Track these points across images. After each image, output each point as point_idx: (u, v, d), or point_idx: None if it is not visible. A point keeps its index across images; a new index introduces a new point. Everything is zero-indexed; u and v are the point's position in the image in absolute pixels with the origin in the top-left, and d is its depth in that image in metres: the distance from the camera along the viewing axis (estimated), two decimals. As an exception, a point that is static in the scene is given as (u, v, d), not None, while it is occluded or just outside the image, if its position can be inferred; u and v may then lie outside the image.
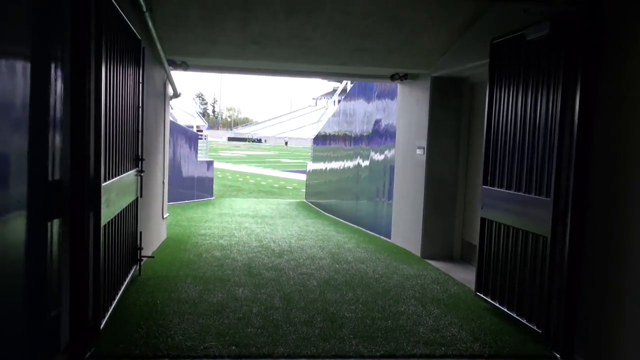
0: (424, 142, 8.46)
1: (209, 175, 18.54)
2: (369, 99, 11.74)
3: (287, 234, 10.55)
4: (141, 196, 6.66)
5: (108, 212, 4.74)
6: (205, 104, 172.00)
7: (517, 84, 5.33)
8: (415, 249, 8.67)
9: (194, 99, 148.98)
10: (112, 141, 4.91)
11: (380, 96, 10.91)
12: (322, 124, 17.88)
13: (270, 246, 9.02)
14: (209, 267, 7.29)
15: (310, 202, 18.15)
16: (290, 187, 24.16)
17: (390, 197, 10.08)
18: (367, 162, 11.53)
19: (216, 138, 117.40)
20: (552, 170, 4.71)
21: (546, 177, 4.81)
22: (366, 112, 11.87)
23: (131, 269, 6.40)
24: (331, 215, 14.50)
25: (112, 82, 4.78)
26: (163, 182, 8.90)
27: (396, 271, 7.50)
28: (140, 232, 6.72)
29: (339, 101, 15.60)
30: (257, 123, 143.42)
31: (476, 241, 7.98)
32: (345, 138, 13.57)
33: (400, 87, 9.62)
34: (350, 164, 12.86)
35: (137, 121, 6.42)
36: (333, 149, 14.96)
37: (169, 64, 8.35)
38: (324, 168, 16.08)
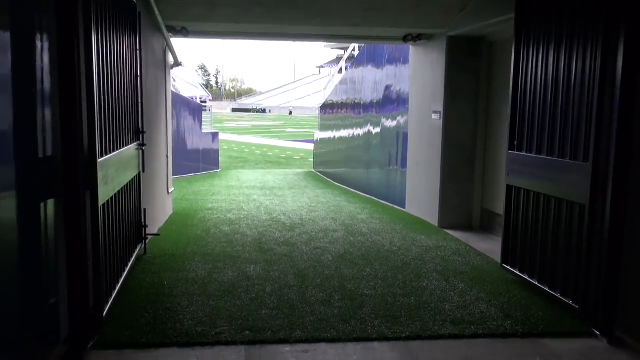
0: (440, 107, 8.01)
1: (214, 147, 18.16)
2: (378, 65, 11.23)
3: (297, 205, 10.20)
4: (143, 171, 6.30)
5: (107, 190, 4.37)
6: (208, 75, 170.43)
7: (547, 40, 4.86)
8: (432, 218, 8.31)
9: (196, 70, 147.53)
10: (108, 114, 4.51)
11: (391, 61, 10.41)
12: (329, 91, 17.36)
13: (281, 219, 8.68)
14: (218, 244, 6.97)
15: (319, 172, 17.77)
16: (298, 157, 23.77)
17: (403, 165, 9.68)
18: (378, 130, 11.10)
19: (220, 109, 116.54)
20: (590, 133, 4.29)
21: (583, 140, 4.39)
22: (376, 79, 11.37)
23: (136, 248, 6.08)
24: (341, 185, 14.13)
25: (104, 50, 4.36)
26: (167, 156, 8.53)
27: (414, 243, 7.15)
28: (144, 209, 6.37)
29: (346, 68, 15.08)
30: (261, 93, 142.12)
31: (496, 209, 7.62)
32: (354, 106, 13.10)
33: (412, 50, 9.11)
34: (360, 131, 12.43)
35: (136, 92, 6.01)
36: (341, 117, 14.50)
37: (168, 31, 7.88)
38: (332, 137, 15.65)
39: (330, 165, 16.22)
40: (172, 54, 8.67)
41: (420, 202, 8.87)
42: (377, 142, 11.17)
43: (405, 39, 8.46)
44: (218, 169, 18.31)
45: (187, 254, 6.44)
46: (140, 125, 6.17)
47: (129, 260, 5.60)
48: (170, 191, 8.85)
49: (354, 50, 15.26)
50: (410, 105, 9.27)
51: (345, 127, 13.90)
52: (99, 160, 4.04)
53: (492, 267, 6.06)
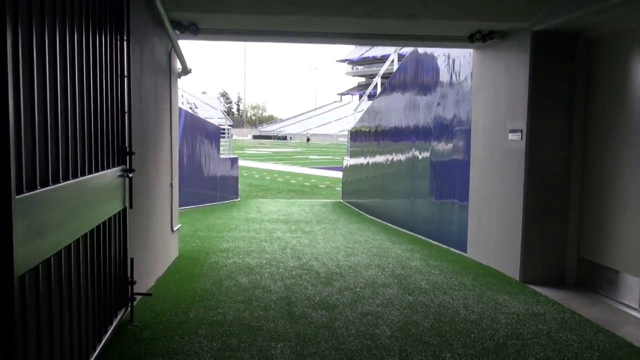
0: (521, 124, 6.18)
1: (233, 173, 16.49)
2: (424, 84, 9.48)
3: (330, 246, 8.36)
4: (130, 206, 4.56)
5: (43, 245, 2.62)
6: (230, 102, 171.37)
7: None
8: (510, 268, 6.40)
9: (218, 97, 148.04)
10: (54, 122, 2.80)
11: (444, 80, 8.64)
12: (359, 116, 15.64)
13: (313, 266, 6.85)
14: (232, 305, 5.15)
15: (349, 203, 15.94)
16: (323, 186, 21.98)
17: (463, 197, 7.81)
18: (426, 154, 9.27)
19: (241, 136, 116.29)
20: None
21: None
22: (422, 100, 9.59)
23: (117, 315, 4.31)
24: (376, 219, 12.26)
25: (44, 43, 2.68)
26: (171, 184, 6.81)
27: (498, 307, 5.24)
28: (131, 259, 4.61)
29: (374, 94, 13.35)
30: (282, 120, 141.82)
31: (600, 259, 5.72)
32: (393, 130, 11.30)
33: (477, 56, 7.34)
34: (401, 157, 10.61)
35: (120, 98, 4.32)
36: (377, 143, 12.71)
37: (174, 27, 6.23)
38: (365, 163, 13.84)
39: (362, 195, 14.38)
40: (180, 59, 7.02)
41: (489, 246, 6.97)
42: (425, 170, 9.33)
43: (472, 38, 6.69)
44: (237, 198, 16.60)
45: (188, 322, 4.64)
46: (126, 144, 4.46)
47: (102, 337, 3.83)
48: (175, 229, 7.10)
49: (377, 80, 13.55)
50: (473, 125, 7.45)
51: (382, 152, 12.10)
52: (17, 196, 2.29)
53: (628, 353, 4.13)
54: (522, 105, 6.16)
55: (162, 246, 6.35)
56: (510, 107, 6.44)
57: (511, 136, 6.37)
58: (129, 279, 4.61)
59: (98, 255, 3.88)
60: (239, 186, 17.67)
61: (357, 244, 8.66)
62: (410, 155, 10.08)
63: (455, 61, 8.14)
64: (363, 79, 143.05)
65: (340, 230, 10.22)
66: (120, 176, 4.33)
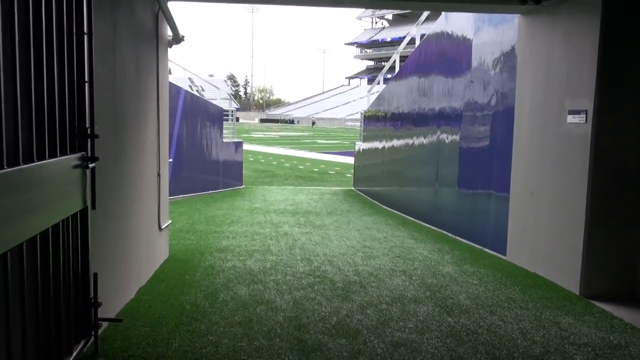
0: (585, 103, 5.02)
1: (237, 158, 15.38)
2: (452, 63, 8.29)
3: (345, 244, 7.27)
4: (93, 206, 3.47)
5: None
6: (237, 85, 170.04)
7: None
8: (566, 279, 5.28)
9: (225, 80, 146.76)
10: None
11: (478, 56, 7.45)
12: (373, 98, 14.47)
13: (327, 273, 5.75)
14: (227, 328, 4.08)
15: (361, 191, 14.82)
16: (333, 172, 20.83)
17: (501, 188, 6.68)
18: (454, 139, 8.11)
19: (248, 120, 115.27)
20: None
21: None
22: (448, 80, 8.41)
23: (72, 349, 3.26)
24: (394, 210, 11.14)
25: None
26: (159, 174, 5.71)
27: (563, 334, 4.14)
28: (95, 275, 3.54)
29: (391, 78, 12.19)
30: (289, 104, 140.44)
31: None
32: (413, 114, 10.13)
33: (525, 24, 6.15)
34: (424, 142, 9.45)
35: (77, 64, 3.23)
36: (393, 128, 11.54)
37: (161, -18, 5.10)
38: (380, 147, 12.68)
39: (376, 182, 13.24)
40: (169, 23, 5.88)
41: (537, 250, 5.85)
42: (453, 156, 8.18)
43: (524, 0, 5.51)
44: (241, 184, 15.51)
45: (168, 356, 3.57)
46: (86, 124, 3.37)
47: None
48: (164, 226, 6.02)
49: (394, 61, 12.30)
50: (518, 106, 6.29)
51: (401, 137, 10.94)
52: None
53: None
54: (587, 81, 5.00)
55: (146, 249, 5.27)
56: (570, 83, 5.28)
57: (571, 118, 5.21)
58: (92, 300, 3.54)
59: (44, 271, 2.82)
60: (244, 172, 16.59)
61: (376, 241, 7.56)
62: (434, 140, 8.92)
63: (494, 32, 6.95)
64: (372, 63, 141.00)
65: (354, 224, 9.12)
66: (77, 166, 3.24)
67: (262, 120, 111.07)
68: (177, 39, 6.12)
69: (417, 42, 10.52)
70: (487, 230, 7.08)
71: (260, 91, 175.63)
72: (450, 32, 8.34)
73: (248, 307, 4.58)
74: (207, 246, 6.93)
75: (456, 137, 8.02)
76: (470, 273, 5.84)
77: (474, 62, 7.44)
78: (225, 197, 13.05)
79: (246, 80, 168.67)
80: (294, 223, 9.06)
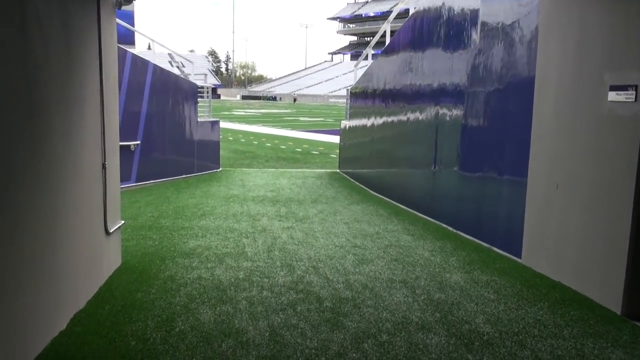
0: (634, 76, 4.02)
1: (213, 138, 14.21)
2: (454, 33, 7.23)
3: (333, 243, 6.27)
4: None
5: None
6: (219, 61, 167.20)
7: None
8: (604, 293, 4.34)
9: (206, 56, 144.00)
10: None
11: (486, 22, 6.40)
12: (360, 73, 13.38)
13: (312, 285, 4.74)
14: (181, 381, 3.07)
15: (347, 174, 13.80)
16: (316, 152, 19.74)
17: (515, 177, 5.70)
18: (457, 118, 7.09)
19: (230, 97, 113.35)
20: None
21: None
22: (448, 53, 7.35)
23: None
24: (384, 197, 10.15)
25: None
26: (104, 166, 4.61)
27: (620, 380, 3.20)
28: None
29: (381, 52, 11.11)
30: (271, 80, 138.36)
31: None
32: (407, 90, 9.06)
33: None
34: (419, 116, 8.41)
35: None
36: (383, 105, 10.47)
37: None
38: (369, 126, 11.61)
39: (364, 164, 12.21)
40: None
41: (563, 256, 4.89)
42: (454, 135, 7.17)
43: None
44: (218, 167, 14.39)
45: None
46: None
47: None
48: (113, 229, 4.93)
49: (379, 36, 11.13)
50: (539, 80, 5.26)
51: (392, 113, 9.89)
52: None
53: None
54: (638, 48, 3.99)
55: (85, 261, 4.20)
56: (613, 52, 4.26)
57: (614, 96, 4.21)
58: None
59: None
60: (222, 152, 15.47)
61: (368, 238, 6.56)
62: (432, 117, 7.89)
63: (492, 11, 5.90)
64: (355, 38, 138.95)
65: (341, 215, 8.11)
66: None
67: (244, 97, 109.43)
68: (126, -2, 4.97)
69: (411, 12, 9.39)
70: (497, 226, 6.12)
71: (242, 67, 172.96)
72: (451, -3, 7.27)
73: (211, 342, 3.56)
74: (170, 248, 5.87)
75: (459, 115, 7.00)
76: (484, 283, 4.87)
77: (482, 32, 6.39)
78: (200, 182, 11.95)
79: (227, 56, 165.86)
80: (274, 214, 8.03)
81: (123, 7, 5.31)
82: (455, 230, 7.04)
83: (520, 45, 5.60)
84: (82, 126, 4.08)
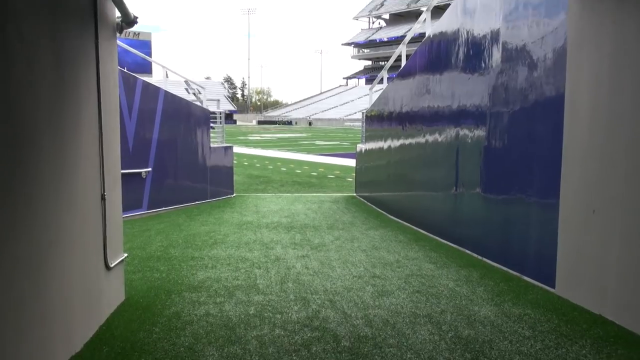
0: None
1: (226, 163, 13.98)
2: (473, 52, 6.93)
3: (350, 274, 5.89)
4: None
5: None
6: (234, 87, 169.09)
7: None
8: (652, 329, 3.90)
9: (222, 83, 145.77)
10: None
11: (507, 41, 6.08)
12: (376, 97, 13.13)
13: (328, 321, 4.37)
14: None
15: (364, 197, 13.44)
16: (332, 176, 19.42)
17: (545, 202, 5.30)
18: (479, 140, 6.73)
19: (246, 122, 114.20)
20: None
21: None
22: (469, 73, 7.04)
23: None
24: (403, 222, 9.76)
25: None
26: (103, 197, 4.32)
27: None
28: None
29: (397, 74, 10.90)
30: (287, 105, 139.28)
31: None
32: (425, 112, 8.74)
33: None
34: (439, 143, 8.06)
35: None
36: (400, 128, 10.15)
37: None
38: (386, 147, 11.27)
39: (381, 187, 11.84)
40: (116, 2, 4.48)
41: (603, 286, 4.47)
42: (477, 153, 6.80)
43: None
44: (232, 193, 14.13)
45: None
46: None
47: None
48: (115, 263, 4.62)
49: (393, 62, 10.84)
50: (569, 100, 4.89)
51: (410, 136, 9.55)
52: None
53: None
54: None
55: (82, 300, 3.88)
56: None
57: (656, 112, 3.83)
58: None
59: None
60: (236, 177, 15.25)
61: (387, 267, 6.18)
62: (453, 139, 7.54)
63: (531, 12, 5.58)
64: (369, 62, 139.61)
65: (359, 242, 7.74)
66: None
67: (260, 122, 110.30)
68: (128, 20, 4.73)
69: (428, 34, 9.12)
70: (527, 253, 5.70)
71: (258, 93, 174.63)
72: (470, 19, 6.97)
73: (217, 391, 3.19)
74: (178, 281, 5.54)
75: (481, 137, 6.64)
76: (516, 317, 4.45)
77: (503, 51, 6.06)
78: (214, 208, 11.68)
79: (243, 82, 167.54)
80: (289, 242, 7.69)
81: (140, 37, 5.10)
82: (480, 257, 6.62)
83: (547, 63, 5.25)
84: (77, 155, 3.80)
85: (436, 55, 8.25)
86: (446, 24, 7.82)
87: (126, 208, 10.53)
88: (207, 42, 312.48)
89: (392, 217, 10.54)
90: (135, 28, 4.61)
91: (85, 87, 3.97)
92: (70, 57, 3.68)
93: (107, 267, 4.42)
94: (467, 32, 7.00)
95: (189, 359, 3.63)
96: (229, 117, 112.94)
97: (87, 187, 4.00)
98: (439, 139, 8.00)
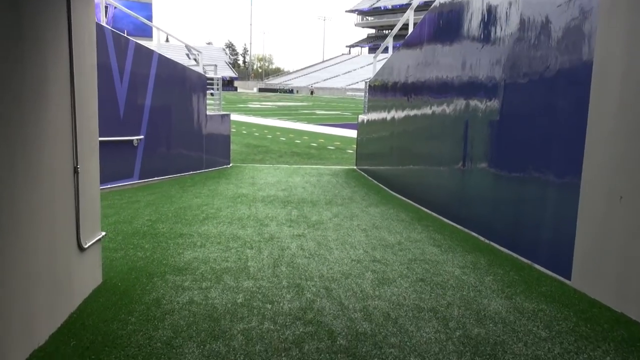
0: None
1: (222, 131, 13.46)
2: (485, 20, 6.37)
3: (348, 257, 5.47)
4: None
5: None
6: (236, 54, 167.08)
7: None
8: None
9: (223, 49, 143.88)
10: None
11: (522, 11, 5.54)
12: (380, 66, 12.56)
13: (323, 313, 3.96)
14: None
15: (364, 171, 12.99)
16: (332, 147, 18.90)
17: (567, 178, 4.85)
18: (493, 104, 6.24)
19: (247, 89, 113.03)
20: None
21: None
22: (480, 42, 6.49)
23: None
24: (405, 199, 9.33)
25: None
26: (76, 170, 3.86)
27: None
28: None
29: (402, 42, 10.34)
30: (288, 73, 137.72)
31: None
32: (432, 83, 8.21)
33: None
34: (446, 114, 7.57)
35: None
36: (405, 99, 9.63)
37: None
38: (389, 118, 10.77)
39: (383, 161, 11.38)
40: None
41: (628, 281, 4.05)
42: (489, 126, 6.33)
43: None
44: (229, 163, 13.67)
45: None
46: None
47: None
48: (90, 243, 4.19)
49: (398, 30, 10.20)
50: (597, 72, 4.39)
51: (414, 108, 9.04)
52: None
53: None
54: None
55: (48, 285, 3.46)
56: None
57: None
58: None
59: None
60: (233, 147, 14.76)
61: (388, 250, 5.76)
62: (462, 111, 7.04)
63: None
64: (373, 31, 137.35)
65: (359, 220, 7.32)
66: None
67: (261, 90, 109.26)
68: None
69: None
70: (540, 239, 5.27)
71: (260, 60, 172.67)
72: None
73: (193, 399, 2.80)
74: (162, 262, 5.13)
75: (494, 109, 6.15)
76: (530, 314, 4.04)
77: (522, 16, 5.52)
78: (208, 179, 11.24)
79: (245, 48, 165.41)
80: (284, 219, 7.26)
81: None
82: (487, 241, 6.21)
83: (573, 29, 4.73)
84: (41, 123, 3.33)
85: (446, 23, 7.68)
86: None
87: (116, 177, 10.17)
88: (210, 7, 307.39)
89: (393, 192, 10.10)
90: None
91: (52, 42, 3.47)
92: (31, 4, 3.17)
93: (81, 248, 3.99)
94: (472, 7, 6.44)
95: (166, 357, 3.23)
96: (229, 84, 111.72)
97: (55, 159, 3.54)
98: (447, 111, 7.50)
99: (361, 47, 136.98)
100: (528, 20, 5.42)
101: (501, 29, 5.98)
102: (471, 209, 6.79)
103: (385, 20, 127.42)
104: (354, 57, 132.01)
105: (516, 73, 5.65)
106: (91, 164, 4.22)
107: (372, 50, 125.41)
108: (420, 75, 8.76)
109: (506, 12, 5.86)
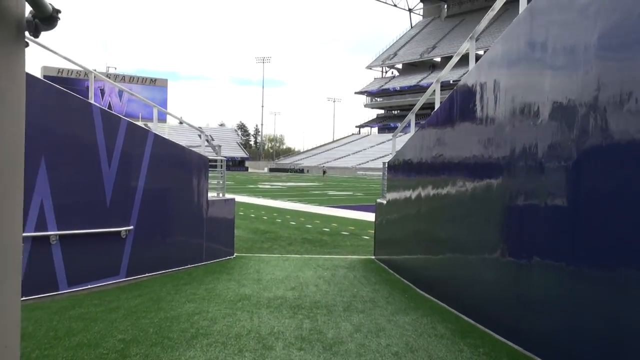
0: None
1: (226, 215, 12.12)
2: (537, 84, 5.17)
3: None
4: None
5: None
6: (248, 135, 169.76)
7: None
8: None
9: (235, 130, 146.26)
10: None
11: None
12: (400, 143, 11.40)
13: None
14: None
15: (384, 262, 11.46)
16: (346, 232, 17.41)
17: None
18: (562, 189, 4.85)
19: (257, 169, 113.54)
20: None
21: None
22: (537, 106, 5.25)
23: None
24: (436, 300, 7.77)
25: None
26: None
27: None
28: None
29: (428, 120, 9.27)
30: (299, 153, 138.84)
31: None
32: (470, 161, 6.93)
33: None
34: (493, 194, 6.19)
35: None
36: (434, 178, 8.32)
37: None
38: (414, 199, 9.39)
39: (407, 249, 9.87)
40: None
41: None
42: (555, 217, 4.90)
43: None
44: (232, 253, 12.23)
45: None
46: None
47: None
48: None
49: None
50: None
51: (451, 186, 7.68)
52: None
53: None
54: None
55: None
56: None
57: None
58: None
59: None
60: (240, 233, 13.40)
61: (435, 393, 4.20)
62: (512, 193, 5.65)
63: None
64: (382, 111, 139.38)
65: (387, 338, 5.77)
66: None
67: (272, 170, 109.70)
68: (44, 15, 2.98)
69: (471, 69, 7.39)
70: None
71: (271, 140, 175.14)
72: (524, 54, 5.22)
73: None
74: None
75: (566, 188, 4.75)
76: None
77: (584, 72, 4.26)
78: (207, 274, 9.79)
79: (256, 129, 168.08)
80: (293, 336, 5.74)
81: (157, 84, 3.34)
82: (566, 376, 4.62)
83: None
84: None
85: (482, 105, 6.47)
86: (488, 72, 6.06)
87: (98, 276, 8.64)
88: (223, 90, 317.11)
89: (420, 291, 8.56)
90: (152, 75, 3.03)
91: None
92: None
93: None
94: (522, 74, 5.24)
95: None
96: (241, 164, 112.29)
97: None
98: (493, 196, 6.12)
99: (370, 127, 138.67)
100: (602, 78, 4.15)
101: (561, 95, 4.70)
102: (536, 322, 5.24)
103: (394, 101, 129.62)
104: (364, 136, 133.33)
105: (596, 149, 4.31)
106: (15, 253, 2.82)
107: (382, 130, 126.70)
108: (453, 155, 7.46)
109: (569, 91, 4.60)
